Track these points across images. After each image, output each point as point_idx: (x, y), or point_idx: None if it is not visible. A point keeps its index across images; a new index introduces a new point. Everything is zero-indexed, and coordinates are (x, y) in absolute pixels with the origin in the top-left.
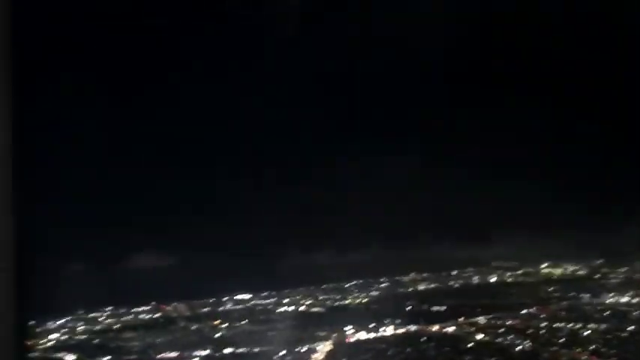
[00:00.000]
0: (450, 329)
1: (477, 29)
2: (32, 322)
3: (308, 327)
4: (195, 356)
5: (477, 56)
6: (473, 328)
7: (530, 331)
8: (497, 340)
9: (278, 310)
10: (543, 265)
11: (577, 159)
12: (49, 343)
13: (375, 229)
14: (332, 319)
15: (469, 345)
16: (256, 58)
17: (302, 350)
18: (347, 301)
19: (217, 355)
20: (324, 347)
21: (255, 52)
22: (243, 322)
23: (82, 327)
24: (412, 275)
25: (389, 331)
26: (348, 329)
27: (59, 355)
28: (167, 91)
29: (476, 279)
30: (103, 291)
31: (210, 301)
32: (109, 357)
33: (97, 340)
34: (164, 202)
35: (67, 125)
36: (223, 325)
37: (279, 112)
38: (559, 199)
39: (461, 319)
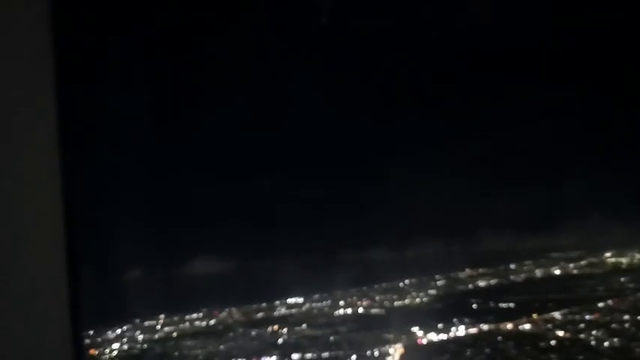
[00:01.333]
0: (526, 327)
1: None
2: (91, 332)
3: (372, 329)
4: None
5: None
6: (550, 325)
7: (613, 325)
8: (581, 337)
9: (336, 313)
10: (607, 254)
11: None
12: (114, 353)
13: (427, 226)
14: (395, 321)
15: (551, 342)
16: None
17: (374, 354)
18: (406, 301)
19: None
20: (396, 350)
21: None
22: (302, 327)
23: (141, 336)
24: (468, 271)
25: (461, 331)
26: (416, 330)
27: None
28: (223, 100)
29: (538, 272)
30: (155, 299)
31: (263, 305)
32: None
33: (159, 349)
34: (215, 211)
35: (122, 133)
36: (283, 330)
37: (327, 113)
38: (619, 187)
39: (534, 316)
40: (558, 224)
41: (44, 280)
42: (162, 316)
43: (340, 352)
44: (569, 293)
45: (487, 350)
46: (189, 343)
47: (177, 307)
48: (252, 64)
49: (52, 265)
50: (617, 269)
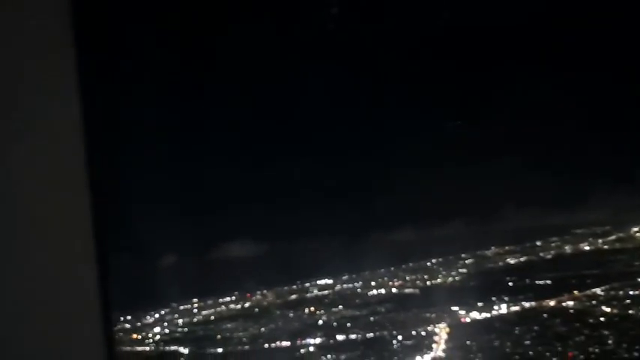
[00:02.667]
0: (570, 303)
1: None
2: (129, 317)
3: (410, 309)
4: (309, 344)
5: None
6: (594, 301)
7: None
8: (630, 312)
9: (370, 294)
10: (635, 229)
11: None
12: (157, 337)
13: (451, 205)
14: (431, 300)
15: (601, 319)
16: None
17: (420, 334)
18: (438, 280)
19: (332, 342)
20: (442, 330)
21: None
22: (339, 308)
23: (179, 320)
24: (494, 249)
25: (503, 309)
26: (456, 309)
27: (172, 347)
28: (250, 86)
29: (567, 248)
30: (188, 284)
31: (294, 287)
32: (220, 348)
33: (201, 332)
34: (244, 194)
35: (153, 118)
36: (320, 312)
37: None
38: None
39: (575, 292)
40: (582, 201)
41: (72, 271)
42: (195, 300)
43: (385, 333)
44: (604, 269)
45: (535, 327)
46: (229, 325)
47: (209, 291)
48: (278, 45)
49: (79, 255)
50: None
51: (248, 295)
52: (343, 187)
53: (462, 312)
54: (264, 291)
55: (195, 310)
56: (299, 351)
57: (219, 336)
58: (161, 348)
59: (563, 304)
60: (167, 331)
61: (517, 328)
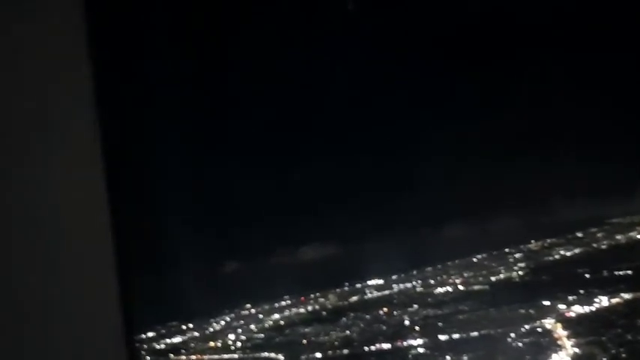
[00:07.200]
0: None
1: None
2: (191, 325)
3: (494, 305)
4: (411, 346)
5: None
6: None
7: None
8: None
9: (436, 292)
10: None
11: None
12: (238, 344)
13: (493, 199)
14: (511, 296)
15: None
16: None
17: (536, 330)
18: (501, 276)
19: (435, 344)
20: (550, 325)
21: None
22: (414, 307)
23: (251, 325)
24: (535, 243)
25: (604, 301)
26: (548, 304)
27: (262, 354)
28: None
29: (620, 238)
30: (238, 290)
31: (347, 289)
32: (320, 354)
33: (281, 338)
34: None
35: (172, 122)
36: (395, 312)
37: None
38: None
39: None
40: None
41: (94, 282)
42: (248, 305)
43: (491, 331)
44: None
45: None
46: (306, 330)
47: (259, 296)
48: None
49: (100, 266)
50: None
51: (302, 299)
52: (376, 184)
53: (561, 307)
54: (316, 294)
55: (261, 316)
56: (407, 353)
57: (304, 341)
58: (249, 354)
59: None
60: (244, 337)
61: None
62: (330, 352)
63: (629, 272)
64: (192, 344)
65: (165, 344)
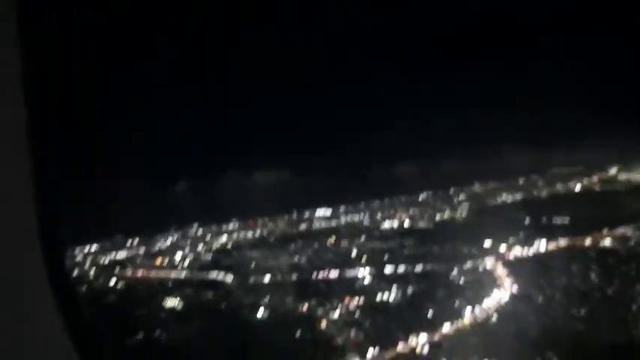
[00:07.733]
0: (606, 243)
1: None
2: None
3: (439, 243)
4: (360, 276)
5: None
6: (632, 242)
7: None
8: None
9: (383, 227)
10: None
11: None
12: (186, 262)
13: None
14: (456, 235)
15: None
16: None
17: (477, 269)
18: (445, 215)
19: (380, 275)
20: (491, 264)
21: None
22: (362, 239)
23: (198, 246)
24: (479, 186)
25: (542, 245)
26: (489, 245)
27: (210, 274)
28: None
29: (560, 187)
30: (186, 211)
31: (295, 217)
32: (268, 275)
33: (229, 260)
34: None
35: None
36: (342, 242)
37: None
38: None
39: (605, 231)
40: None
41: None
42: (195, 225)
43: (436, 267)
44: (614, 210)
45: (594, 266)
46: (255, 254)
47: (206, 217)
48: None
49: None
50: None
51: (250, 222)
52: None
53: (502, 248)
54: (265, 219)
55: (209, 237)
56: (353, 282)
57: (253, 264)
58: (197, 274)
59: (598, 244)
60: (191, 256)
61: (561, 264)
62: (278, 276)
63: (566, 221)
64: (138, 260)
65: (111, 258)
